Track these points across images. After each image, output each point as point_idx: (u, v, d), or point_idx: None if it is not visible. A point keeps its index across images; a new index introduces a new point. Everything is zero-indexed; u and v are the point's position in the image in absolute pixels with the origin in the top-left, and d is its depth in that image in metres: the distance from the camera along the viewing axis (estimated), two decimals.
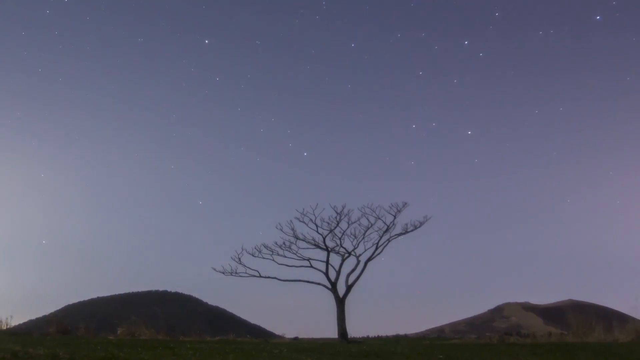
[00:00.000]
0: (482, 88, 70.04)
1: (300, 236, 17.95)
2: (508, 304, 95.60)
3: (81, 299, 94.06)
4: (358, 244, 17.73)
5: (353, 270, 17.35)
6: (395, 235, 17.86)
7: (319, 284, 17.36)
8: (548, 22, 63.11)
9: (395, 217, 17.70)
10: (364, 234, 17.75)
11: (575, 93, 71.01)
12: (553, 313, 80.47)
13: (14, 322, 17.14)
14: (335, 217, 17.65)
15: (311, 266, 17.77)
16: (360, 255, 17.69)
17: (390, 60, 70.82)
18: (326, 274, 17.44)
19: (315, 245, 17.86)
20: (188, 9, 72.94)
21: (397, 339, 21.23)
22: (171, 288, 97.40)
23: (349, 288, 17.11)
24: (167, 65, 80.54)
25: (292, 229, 18.03)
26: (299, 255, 17.95)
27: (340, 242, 17.75)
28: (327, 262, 17.63)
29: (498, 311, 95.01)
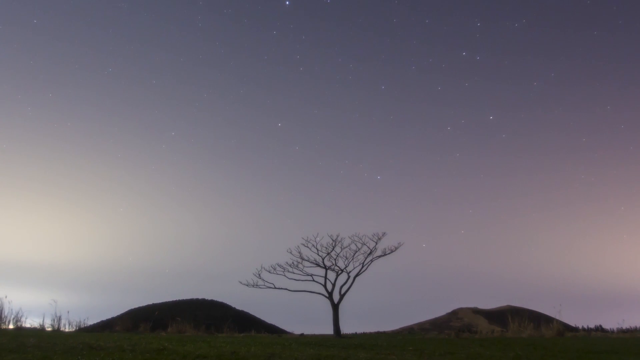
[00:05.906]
0: (486, 83, 70.30)
1: (305, 257, 17.80)
2: (461, 309, 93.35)
3: (140, 305, 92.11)
4: (349, 263, 17.52)
5: (345, 284, 17.09)
6: (377, 257, 17.66)
7: (319, 293, 17.06)
8: (519, 15, 64.28)
9: (376, 243, 17.54)
10: (353, 256, 17.58)
11: (560, 60, 69.90)
12: (495, 316, 78.45)
13: (89, 322, 16.77)
14: (331, 243, 17.58)
15: (313, 280, 17.49)
16: (350, 272, 17.43)
17: (413, 88, 71.18)
18: (324, 286, 17.17)
19: (316, 264, 17.68)
20: (259, 100, 73.03)
21: (378, 335, 20.68)
22: (208, 296, 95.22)
23: (341, 297, 16.83)
24: (254, 149, 78.66)
25: (299, 252, 17.93)
26: (304, 272, 17.73)
27: (335, 262, 17.58)
28: (325, 277, 17.38)
29: (454, 314, 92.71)
